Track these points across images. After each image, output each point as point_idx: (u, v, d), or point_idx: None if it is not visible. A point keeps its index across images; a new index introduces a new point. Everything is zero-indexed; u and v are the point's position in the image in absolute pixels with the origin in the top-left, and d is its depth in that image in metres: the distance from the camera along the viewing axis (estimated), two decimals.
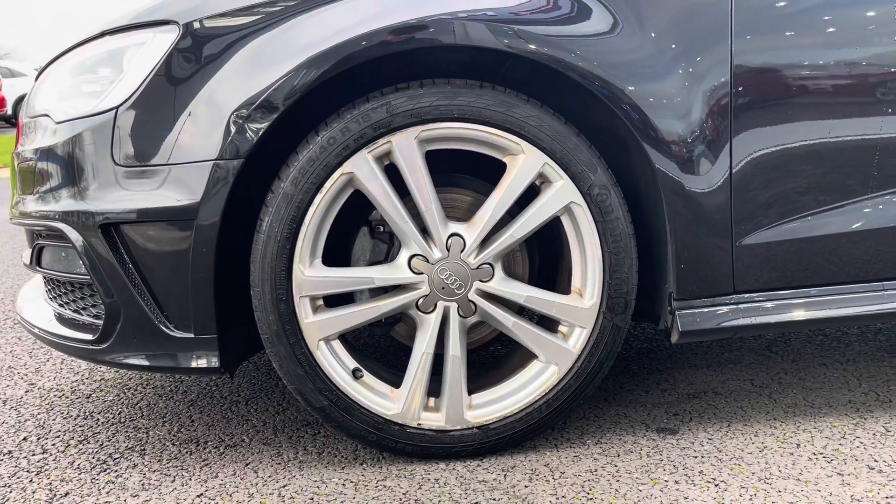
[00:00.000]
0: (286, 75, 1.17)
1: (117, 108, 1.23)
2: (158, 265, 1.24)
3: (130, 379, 1.79)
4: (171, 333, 1.25)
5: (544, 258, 1.57)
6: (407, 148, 1.23)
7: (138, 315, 1.25)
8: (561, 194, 1.26)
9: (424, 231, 1.27)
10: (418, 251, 1.27)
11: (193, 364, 1.26)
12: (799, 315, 1.34)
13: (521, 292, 1.30)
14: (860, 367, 1.72)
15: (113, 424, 1.54)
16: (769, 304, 1.33)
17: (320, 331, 1.26)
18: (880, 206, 1.32)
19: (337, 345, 1.29)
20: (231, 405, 1.62)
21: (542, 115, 1.24)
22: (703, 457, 1.32)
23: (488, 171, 1.37)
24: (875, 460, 1.30)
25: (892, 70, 1.27)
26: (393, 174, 1.25)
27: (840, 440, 1.37)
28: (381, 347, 1.94)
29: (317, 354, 1.27)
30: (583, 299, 1.30)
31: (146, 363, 1.28)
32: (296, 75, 1.17)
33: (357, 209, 1.39)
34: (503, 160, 1.27)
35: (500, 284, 1.29)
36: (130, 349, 1.28)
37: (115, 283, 1.25)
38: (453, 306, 1.28)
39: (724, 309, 1.32)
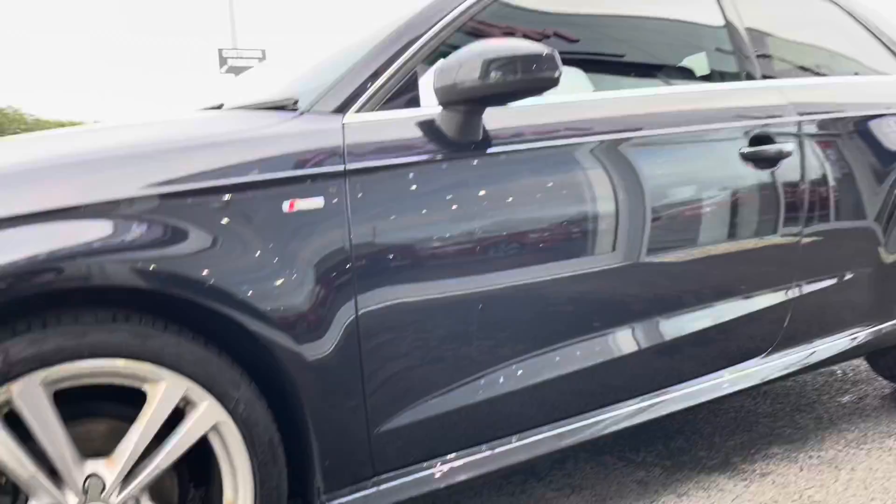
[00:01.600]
0: None
1: None
2: None
3: None
4: None
5: (196, 475, 1.53)
6: (30, 395, 1.13)
7: None
8: (206, 416, 1.27)
9: (57, 474, 1.17)
10: (50, 501, 1.16)
11: None
12: (444, 481, 1.52)
13: None
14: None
15: None
16: (411, 479, 1.49)
17: None
18: (501, 378, 1.57)
19: None
20: None
21: (180, 341, 1.25)
22: None
23: (129, 392, 1.32)
24: None
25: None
26: None
27: None
28: None
29: None
30: None
31: None
32: None
33: None
34: (143, 389, 1.25)
35: None
36: None
37: None
38: None
39: (368, 492, 1.45)
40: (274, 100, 1.61)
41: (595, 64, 1.97)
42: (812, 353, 2.13)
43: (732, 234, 1.91)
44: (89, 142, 1.37)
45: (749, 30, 2.17)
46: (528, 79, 1.48)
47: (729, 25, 2.14)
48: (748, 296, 1.96)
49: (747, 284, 1.96)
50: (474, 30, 1.72)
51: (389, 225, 1.43)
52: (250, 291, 1.28)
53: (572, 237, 1.64)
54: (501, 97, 1.50)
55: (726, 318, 1.92)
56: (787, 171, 1.99)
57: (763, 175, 1.94)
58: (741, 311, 1.94)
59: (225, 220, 1.29)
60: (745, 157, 1.92)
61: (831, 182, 2.10)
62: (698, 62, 2.15)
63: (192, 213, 1.26)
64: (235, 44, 13.90)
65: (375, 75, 1.54)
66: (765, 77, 2.14)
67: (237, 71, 14.06)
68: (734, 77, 2.09)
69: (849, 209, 2.16)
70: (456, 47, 1.69)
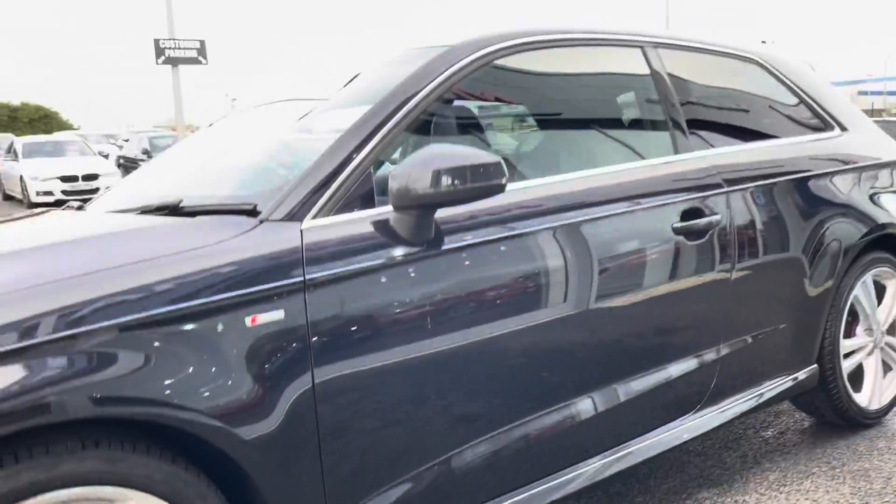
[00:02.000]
0: None
1: None
2: None
3: None
4: None
5: None
6: None
7: None
8: None
9: None
10: None
11: None
12: None
13: None
14: None
15: None
16: None
17: None
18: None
19: None
20: None
21: (149, 461, 1.31)
22: None
23: None
24: None
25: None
26: None
27: None
28: None
29: None
30: None
31: None
32: None
33: None
34: None
35: None
36: None
37: None
38: None
39: None
40: (233, 203, 1.65)
41: (535, 147, 2.08)
42: (745, 402, 2.31)
43: (668, 304, 2.06)
44: (52, 261, 1.41)
45: (682, 102, 2.31)
46: (477, 186, 1.57)
47: (663, 99, 2.27)
48: (682, 358, 2.11)
49: (681, 348, 2.11)
50: (424, 124, 1.81)
51: (348, 331, 1.51)
52: (216, 408, 1.34)
53: (523, 323, 1.75)
54: (452, 202, 1.59)
55: (667, 378, 2.07)
56: (717, 239, 2.14)
57: (694, 246, 2.08)
58: (678, 373, 2.10)
59: (190, 340, 1.35)
60: (677, 232, 2.05)
61: (756, 246, 2.27)
62: (634, 137, 2.28)
63: (154, 338, 1.32)
64: (173, 34, 13.54)
65: (332, 178, 1.61)
66: (697, 140, 2.28)
67: (174, 62, 13.75)
68: (667, 150, 2.22)
69: (774, 271, 2.34)
70: (411, 142, 1.79)
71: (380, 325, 1.55)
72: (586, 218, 1.88)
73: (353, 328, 1.51)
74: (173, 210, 1.69)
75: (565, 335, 1.85)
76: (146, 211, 1.74)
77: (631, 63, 2.30)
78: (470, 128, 2.03)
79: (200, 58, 14.03)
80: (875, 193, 2.74)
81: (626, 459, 2.01)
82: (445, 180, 1.54)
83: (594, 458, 1.95)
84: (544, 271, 1.79)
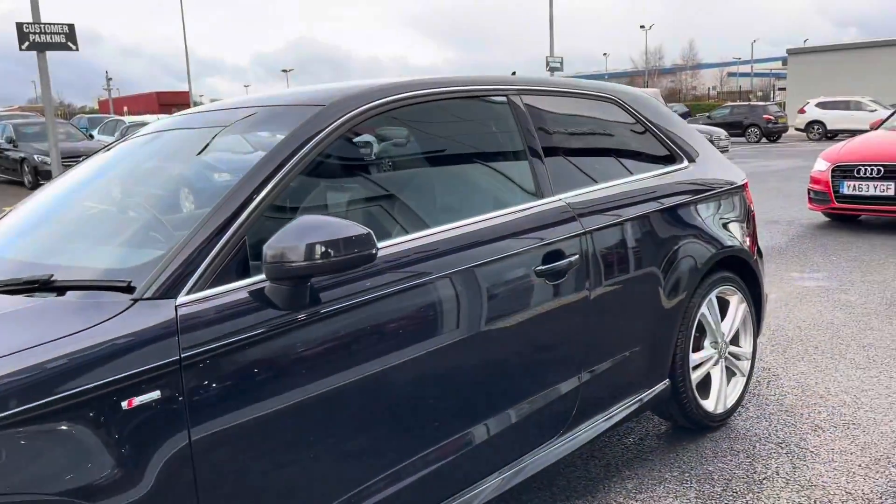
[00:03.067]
0: None
1: None
2: None
3: None
4: None
5: None
6: None
7: None
8: None
9: None
10: None
11: None
12: None
13: None
14: None
15: None
16: None
17: None
18: None
19: None
20: None
21: None
22: None
23: None
24: None
25: None
26: None
27: None
28: None
29: None
30: None
31: None
32: None
33: None
34: None
35: None
36: None
37: None
38: None
39: None
40: (106, 280, 1.67)
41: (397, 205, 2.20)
42: (606, 420, 2.54)
43: (530, 341, 2.23)
44: None
45: (545, 146, 2.48)
46: (350, 258, 1.67)
47: (527, 145, 2.43)
48: (547, 387, 2.30)
49: (545, 378, 2.30)
50: (295, 192, 1.89)
51: (226, 406, 1.58)
52: (97, 494, 1.39)
53: (397, 373, 1.87)
54: (325, 273, 1.68)
55: (533, 407, 2.25)
56: (575, 278, 2.34)
57: (556, 286, 2.27)
58: (543, 402, 2.28)
59: (65, 428, 1.38)
60: (539, 274, 2.23)
61: (612, 280, 2.49)
62: (500, 185, 2.43)
63: (22, 433, 1.35)
64: (38, 17, 12.67)
65: (206, 250, 1.67)
66: (558, 183, 2.47)
67: (40, 48, 12.87)
68: (531, 195, 2.39)
69: (629, 300, 2.57)
70: (284, 209, 1.86)
71: (257, 391, 1.63)
72: (452, 270, 2.01)
73: (229, 399, 1.59)
74: (43, 284, 1.69)
75: (430, 382, 1.98)
76: (11, 286, 1.71)
77: (497, 112, 2.45)
78: (340, 190, 2.13)
79: (69, 43, 13.22)
80: (720, 218, 3.04)
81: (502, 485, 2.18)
82: (319, 252, 1.63)
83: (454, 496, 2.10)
84: (415, 324, 1.92)
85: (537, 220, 2.32)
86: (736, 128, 25.99)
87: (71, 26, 13.05)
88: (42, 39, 12.84)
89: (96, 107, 73.81)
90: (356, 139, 2.10)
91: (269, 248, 1.63)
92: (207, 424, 1.55)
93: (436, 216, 2.19)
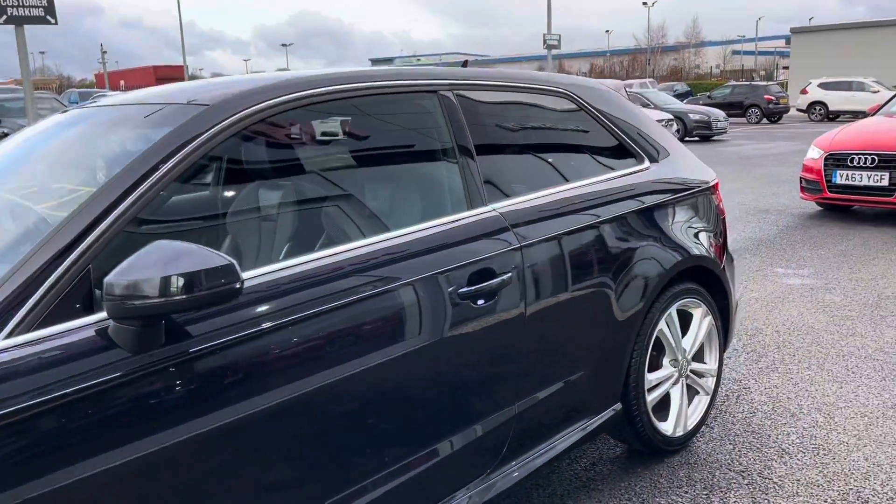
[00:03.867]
0: None
1: None
2: None
3: None
4: None
5: None
6: None
7: None
8: None
9: None
10: None
11: None
12: None
13: None
14: None
15: None
16: None
17: None
18: None
19: None
20: None
21: None
22: None
23: None
24: None
25: None
26: None
27: None
28: None
29: None
30: None
31: None
32: None
33: None
34: None
35: None
36: None
37: None
38: None
39: None
40: None
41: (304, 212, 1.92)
42: (544, 453, 2.29)
43: (456, 374, 1.98)
44: None
45: (479, 147, 2.21)
46: (211, 293, 1.41)
47: (457, 147, 2.16)
48: (473, 422, 2.05)
49: (471, 413, 2.05)
50: (157, 210, 1.62)
51: (37, 472, 1.32)
52: None
53: (277, 423, 1.61)
54: (183, 310, 1.42)
55: (459, 445, 2.00)
56: (507, 298, 2.08)
57: (483, 308, 2.01)
58: (464, 441, 2.03)
59: None
60: (464, 297, 1.97)
61: (553, 299, 2.22)
62: (425, 194, 2.16)
63: None
64: None
65: (38, 282, 1.41)
66: (493, 191, 2.20)
67: (18, 21, 12.51)
68: (459, 205, 2.12)
69: (573, 320, 2.31)
70: (143, 230, 1.60)
71: (94, 465, 1.37)
72: (349, 299, 1.75)
73: (60, 474, 1.33)
74: None
75: (314, 434, 1.72)
76: None
77: (424, 110, 2.18)
78: (215, 207, 1.86)
79: (48, 17, 12.84)
80: (684, 224, 2.78)
81: None
82: (177, 286, 1.37)
83: None
84: (303, 363, 1.66)
85: (463, 234, 2.05)
86: (736, 108, 25.57)
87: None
88: (20, 13, 12.46)
89: (94, 80, 73.08)
90: (245, 144, 1.82)
91: (114, 280, 1.36)
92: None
93: (337, 234, 1.92)
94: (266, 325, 1.60)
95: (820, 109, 25.83)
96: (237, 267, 1.44)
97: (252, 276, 1.63)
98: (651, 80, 33.12)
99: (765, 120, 25.80)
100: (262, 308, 1.61)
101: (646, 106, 18.59)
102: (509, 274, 2.09)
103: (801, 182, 7.77)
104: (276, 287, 1.65)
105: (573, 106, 2.64)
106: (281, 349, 1.62)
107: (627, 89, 20.03)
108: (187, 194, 1.73)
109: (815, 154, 7.54)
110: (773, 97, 25.81)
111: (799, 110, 26.80)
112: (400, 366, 1.84)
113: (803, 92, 26.83)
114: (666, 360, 2.76)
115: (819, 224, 7.28)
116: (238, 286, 1.44)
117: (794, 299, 4.79)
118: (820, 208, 7.99)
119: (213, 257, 1.42)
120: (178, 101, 1.85)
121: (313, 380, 1.66)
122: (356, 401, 1.76)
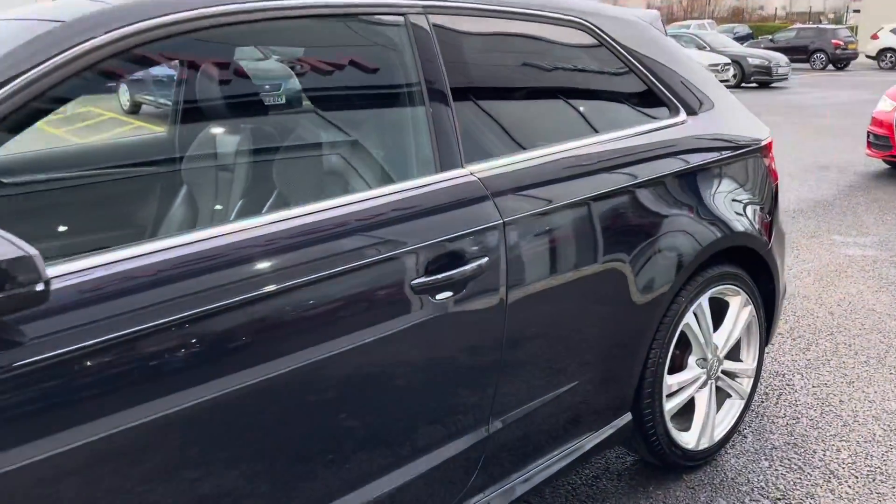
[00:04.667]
0: None
1: None
2: None
3: None
4: None
5: None
6: None
7: None
8: None
9: None
10: None
11: None
12: None
13: None
14: None
15: None
16: None
17: None
18: None
19: None
20: None
21: None
22: None
23: None
24: None
25: None
26: None
27: None
28: None
29: None
30: None
31: None
32: None
33: None
34: None
35: None
36: None
37: None
38: None
39: None
40: None
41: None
42: (526, 482, 1.85)
43: (406, 389, 1.52)
44: None
45: (457, 91, 1.70)
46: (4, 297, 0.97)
47: (427, 90, 1.65)
48: (427, 450, 1.61)
49: (425, 438, 1.60)
50: None
51: None
52: None
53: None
54: None
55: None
56: (482, 291, 1.60)
57: (449, 302, 1.54)
58: (439, 460, 1.60)
59: None
60: (418, 290, 1.50)
61: (545, 294, 1.74)
62: (379, 151, 1.67)
63: None
64: None
65: None
66: (474, 148, 1.70)
67: None
68: (427, 166, 1.63)
69: (570, 320, 1.82)
70: None
71: None
72: (256, 293, 1.30)
73: None
74: None
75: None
76: None
77: (384, 41, 1.66)
78: (61, 166, 1.40)
79: None
80: (725, 193, 2.23)
81: None
82: None
83: None
84: (198, 368, 1.23)
85: (424, 204, 1.56)
86: (801, 53, 24.01)
87: None
88: None
89: None
90: (121, 79, 1.35)
91: None
92: None
93: (249, 204, 1.46)
94: (144, 326, 1.15)
95: (891, 57, 24.08)
96: (38, 261, 0.99)
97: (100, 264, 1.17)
98: (710, 20, 31.40)
99: (830, 66, 24.20)
100: (144, 295, 1.16)
101: (701, 48, 17.48)
102: (486, 259, 1.60)
103: (868, 137, 6.98)
104: (157, 272, 1.20)
105: (592, 41, 2.08)
106: (181, 354, 1.18)
107: (684, 31, 18.85)
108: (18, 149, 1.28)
109: (886, 106, 6.73)
110: (840, 42, 24.12)
111: (868, 57, 25.04)
112: (325, 380, 1.39)
113: (874, 37, 25.01)
114: (692, 360, 2.26)
115: (886, 185, 6.54)
116: (38, 289, 0.99)
117: (853, 273, 4.19)
118: (888, 167, 7.20)
119: (9, 246, 0.98)
120: (40, 18, 1.38)
121: (204, 390, 1.22)
122: (249, 419, 1.32)
